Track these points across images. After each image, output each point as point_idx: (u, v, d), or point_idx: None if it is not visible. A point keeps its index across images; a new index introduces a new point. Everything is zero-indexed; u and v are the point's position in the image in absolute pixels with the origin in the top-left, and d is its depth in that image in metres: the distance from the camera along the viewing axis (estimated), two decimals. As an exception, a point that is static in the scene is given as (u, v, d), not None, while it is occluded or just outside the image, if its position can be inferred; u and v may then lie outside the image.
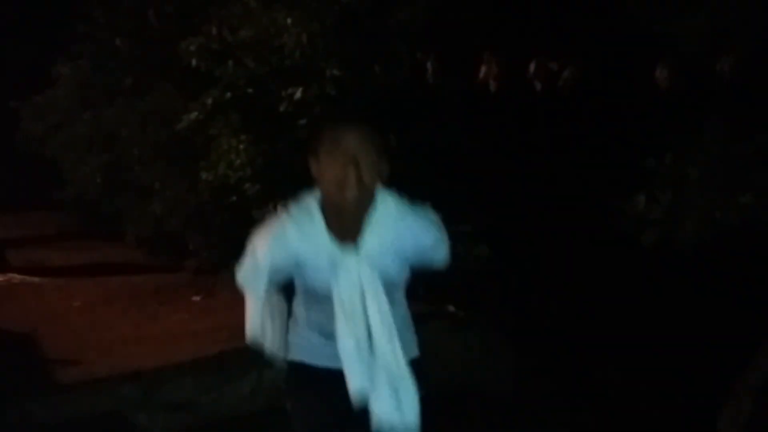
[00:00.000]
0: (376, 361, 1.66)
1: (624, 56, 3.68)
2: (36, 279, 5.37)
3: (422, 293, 4.22)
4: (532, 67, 3.97)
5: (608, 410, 3.41)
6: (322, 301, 1.72)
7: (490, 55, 4.16)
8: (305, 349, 1.80)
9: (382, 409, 1.65)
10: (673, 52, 3.36)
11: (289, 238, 1.68)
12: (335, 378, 1.70)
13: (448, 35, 4.61)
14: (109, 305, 4.78)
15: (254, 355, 2.00)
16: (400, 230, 1.71)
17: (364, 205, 1.69)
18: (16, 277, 5.37)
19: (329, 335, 1.72)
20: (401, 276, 1.76)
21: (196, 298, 4.87)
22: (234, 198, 4.93)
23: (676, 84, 3.35)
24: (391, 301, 1.71)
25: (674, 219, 3.26)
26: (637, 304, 3.98)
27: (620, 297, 4.01)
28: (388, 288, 1.71)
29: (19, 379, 3.34)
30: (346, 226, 1.69)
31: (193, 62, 5.15)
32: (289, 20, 4.70)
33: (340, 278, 1.66)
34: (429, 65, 4.48)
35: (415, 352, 1.85)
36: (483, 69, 4.18)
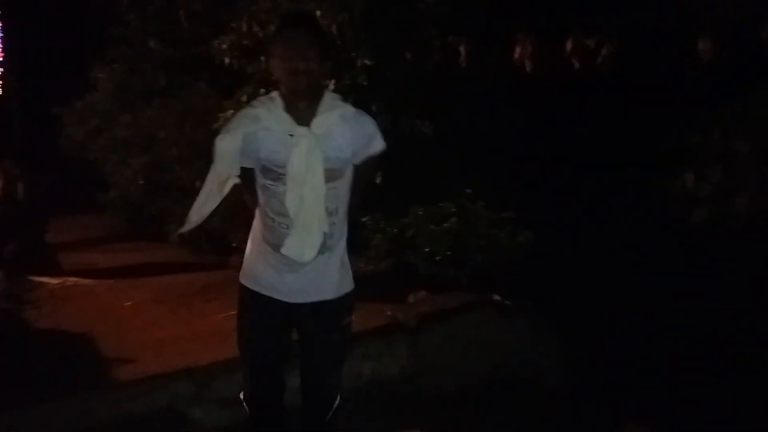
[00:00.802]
0: (302, 211, 2.07)
1: (664, 29, 3.55)
2: (88, 281, 5.51)
3: (467, 282, 4.22)
4: (568, 45, 3.88)
5: (661, 398, 3.33)
6: (278, 179, 2.07)
7: (525, 34, 4.07)
8: (252, 279, 2.20)
9: (289, 244, 2.09)
10: (715, 23, 3.23)
11: (256, 113, 2.07)
12: (273, 304, 2.16)
13: (479, 16, 4.52)
14: (158, 304, 4.86)
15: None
16: (346, 117, 2.09)
17: (313, 93, 2.06)
18: (70, 280, 5.53)
19: (279, 240, 2.10)
20: (344, 157, 2.10)
21: (242, 295, 4.92)
22: (274, 193, 4.95)
23: (719, 55, 3.22)
24: (336, 194, 2.10)
25: (725, 196, 3.16)
26: (689, 287, 3.86)
27: (671, 279, 3.89)
28: (333, 168, 2.07)
29: (79, 376, 3.44)
30: (300, 109, 2.06)
31: (226, 60, 5.16)
32: (318, 12, 4.68)
33: (295, 148, 2.04)
34: (461, 48, 4.42)
35: (350, 286, 2.22)
36: (518, 49, 4.10)
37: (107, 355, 3.81)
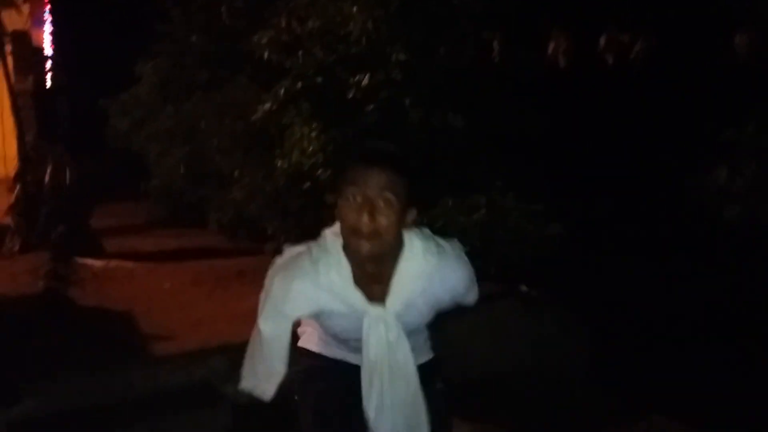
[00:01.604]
0: (394, 403, 1.63)
1: (700, 24, 3.52)
2: (130, 264, 5.72)
3: (494, 273, 4.25)
4: (602, 40, 3.86)
5: (687, 394, 3.31)
6: (353, 351, 1.71)
7: (559, 29, 4.07)
8: (314, 344, 1.82)
9: None
10: (752, 18, 3.19)
11: (316, 286, 1.60)
12: (342, 368, 1.75)
13: (514, 11, 4.53)
14: (196, 287, 5.03)
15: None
16: (430, 279, 1.60)
17: (385, 256, 1.56)
18: (113, 262, 5.74)
19: (342, 345, 1.75)
20: (427, 319, 1.69)
21: (275, 280, 5.02)
22: (308, 183, 5.07)
23: (756, 51, 3.18)
24: (415, 341, 1.67)
25: (758, 192, 3.13)
26: (719, 283, 3.83)
27: (701, 275, 3.86)
28: (413, 333, 1.66)
29: (121, 352, 3.61)
30: (369, 277, 1.59)
31: (265, 55, 5.27)
32: (354, 8, 4.75)
33: (365, 332, 1.61)
34: (495, 44, 4.43)
35: (429, 355, 1.80)
36: (551, 44, 4.09)
37: (147, 332, 4.00)
